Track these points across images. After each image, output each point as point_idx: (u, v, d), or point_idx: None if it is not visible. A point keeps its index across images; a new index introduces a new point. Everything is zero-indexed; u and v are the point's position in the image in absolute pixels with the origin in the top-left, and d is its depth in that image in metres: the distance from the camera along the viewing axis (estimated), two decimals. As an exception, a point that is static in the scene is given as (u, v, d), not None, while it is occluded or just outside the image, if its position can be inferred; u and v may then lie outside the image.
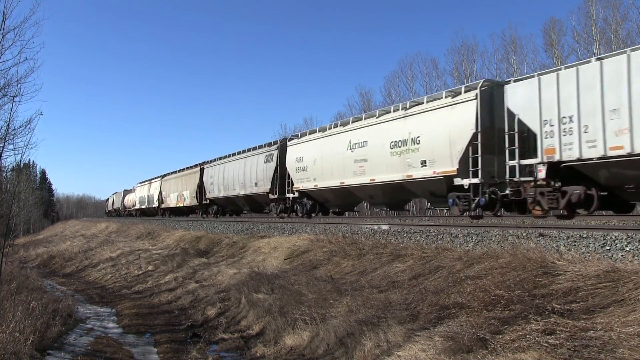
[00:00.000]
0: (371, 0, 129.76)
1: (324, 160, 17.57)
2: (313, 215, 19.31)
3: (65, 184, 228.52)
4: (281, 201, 20.68)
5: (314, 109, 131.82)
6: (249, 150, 24.04)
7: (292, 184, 19.58)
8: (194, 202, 30.72)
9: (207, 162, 29.51)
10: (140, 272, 17.81)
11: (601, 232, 7.30)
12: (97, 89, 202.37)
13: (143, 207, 44.92)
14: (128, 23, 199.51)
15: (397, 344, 5.95)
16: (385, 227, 11.67)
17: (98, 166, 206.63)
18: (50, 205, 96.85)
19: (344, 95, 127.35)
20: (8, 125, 9.31)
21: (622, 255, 6.62)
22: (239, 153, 25.12)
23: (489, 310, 5.81)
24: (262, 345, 8.20)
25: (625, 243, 6.76)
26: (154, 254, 19.76)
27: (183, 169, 34.63)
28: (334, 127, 17.77)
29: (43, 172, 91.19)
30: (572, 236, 7.52)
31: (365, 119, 16.20)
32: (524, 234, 8.23)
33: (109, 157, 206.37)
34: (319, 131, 18.78)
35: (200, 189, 29.46)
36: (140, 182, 47.73)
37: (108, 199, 73.69)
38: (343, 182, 16.37)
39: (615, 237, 6.95)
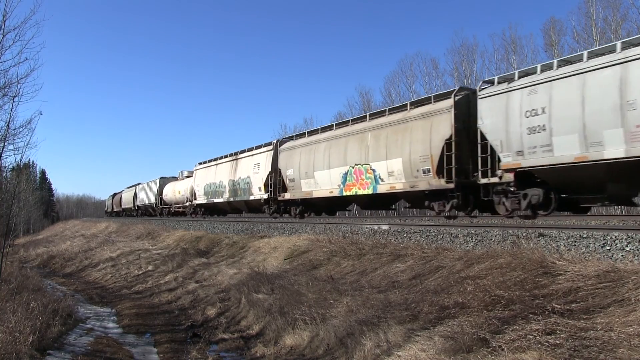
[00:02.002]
0: (371, 0, 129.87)
1: None
2: None
3: (65, 184, 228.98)
4: None
5: (314, 109, 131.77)
6: None
7: None
8: (437, 183, 12.78)
9: (502, 81, 11.76)
10: (140, 272, 17.80)
11: (601, 232, 7.30)
12: (97, 91, 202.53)
13: (218, 200, 26.23)
14: (128, 21, 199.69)
15: (397, 344, 5.95)
16: (385, 227, 11.68)
17: (98, 166, 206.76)
18: (50, 205, 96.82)
19: (344, 95, 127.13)
20: (8, 125, 9.33)
21: (622, 255, 6.63)
22: None
23: (489, 310, 5.81)
24: (262, 345, 8.20)
25: (626, 243, 6.76)
26: (154, 254, 19.76)
27: (364, 117, 16.73)
28: None
29: (43, 172, 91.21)
30: (572, 236, 7.52)
31: None
32: (524, 234, 8.23)
33: (109, 157, 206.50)
34: None
35: (470, 148, 12.35)
36: (203, 163, 29.09)
37: (120, 193, 55.84)
38: None
39: (616, 237, 6.95)
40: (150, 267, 17.81)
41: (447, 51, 54.56)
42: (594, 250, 6.99)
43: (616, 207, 22.36)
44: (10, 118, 9.32)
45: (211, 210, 28.73)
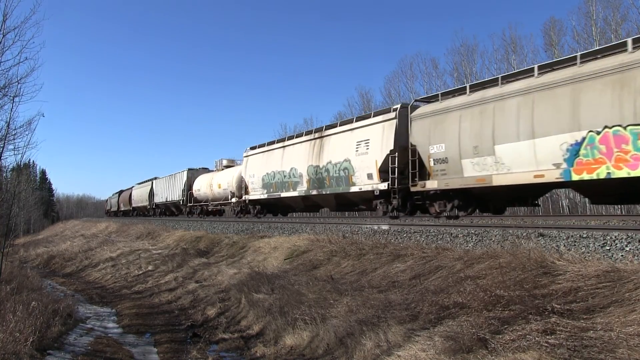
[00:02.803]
0: (371, 0, 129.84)
1: None
2: None
3: (65, 184, 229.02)
4: None
5: (314, 109, 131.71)
6: None
7: None
8: None
9: None
10: (140, 272, 17.81)
11: (601, 232, 7.30)
12: (97, 89, 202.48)
13: (288, 194, 19.56)
14: (129, 24, 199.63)
15: (397, 344, 5.95)
16: (385, 227, 11.68)
17: (98, 166, 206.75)
18: (50, 205, 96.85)
19: (344, 95, 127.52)
20: (8, 125, 9.36)
21: (622, 255, 6.63)
22: None
23: (489, 310, 5.81)
24: (262, 345, 8.20)
25: (625, 243, 6.76)
26: (154, 254, 19.76)
27: (619, 45, 9.92)
28: None
29: (43, 172, 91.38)
30: (572, 236, 7.52)
31: None
32: (524, 234, 8.23)
33: (109, 157, 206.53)
34: None
35: None
36: (260, 146, 22.61)
37: (129, 190, 50.73)
38: None
39: (615, 237, 6.96)
40: (150, 267, 17.81)
41: (447, 51, 54.70)
42: (594, 250, 6.99)
43: (616, 207, 22.36)
44: (10, 118, 9.34)
45: (272, 207, 22.43)
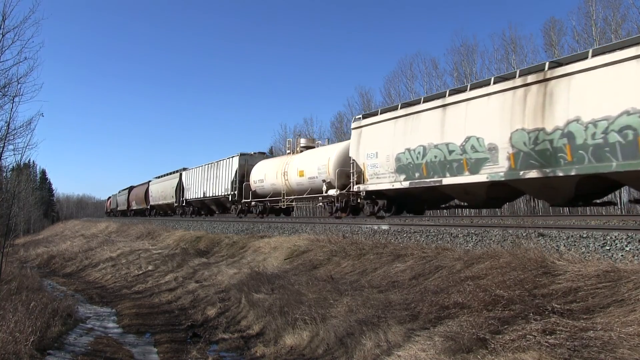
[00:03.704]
0: (371, 0, 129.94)
1: None
2: None
3: (65, 184, 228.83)
4: None
5: (314, 109, 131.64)
6: None
7: None
8: None
9: None
10: (140, 272, 17.82)
11: (601, 232, 7.30)
12: (97, 89, 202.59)
13: (452, 180, 12.28)
14: (127, 23, 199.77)
15: (397, 344, 5.95)
16: (385, 227, 11.68)
17: (98, 166, 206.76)
18: (50, 205, 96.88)
19: (344, 95, 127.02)
20: (8, 125, 9.36)
21: (622, 255, 6.63)
22: None
23: (489, 310, 5.81)
24: (262, 345, 8.20)
25: (625, 243, 6.77)
26: (154, 254, 19.77)
27: None
28: None
29: (43, 172, 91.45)
30: (572, 236, 7.52)
31: None
32: (524, 234, 8.23)
33: (109, 157, 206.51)
34: None
35: None
36: (385, 111, 15.25)
37: (144, 185, 43.29)
38: None
39: (615, 237, 6.96)
40: (150, 267, 17.82)
41: (447, 51, 54.59)
42: (594, 250, 6.99)
43: (616, 207, 22.34)
44: (10, 118, 9.34)
45: (413, 201, 15.24)
